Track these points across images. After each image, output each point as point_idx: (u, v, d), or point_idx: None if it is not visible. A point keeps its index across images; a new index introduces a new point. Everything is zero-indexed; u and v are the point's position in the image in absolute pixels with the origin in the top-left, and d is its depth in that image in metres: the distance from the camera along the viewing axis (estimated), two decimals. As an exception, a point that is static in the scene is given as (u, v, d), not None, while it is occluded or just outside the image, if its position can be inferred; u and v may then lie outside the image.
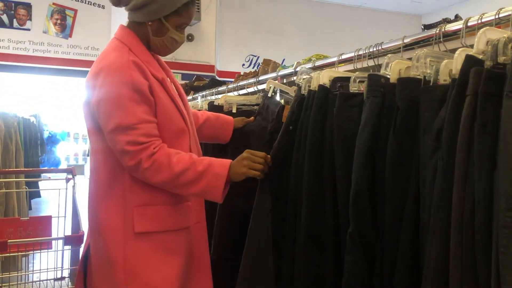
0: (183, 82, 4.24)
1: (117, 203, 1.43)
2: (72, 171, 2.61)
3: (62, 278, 2.39)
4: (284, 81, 1.97)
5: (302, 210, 1.39)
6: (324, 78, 1.43)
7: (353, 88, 1.33)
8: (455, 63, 0.99)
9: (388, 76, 1.20)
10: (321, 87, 1.40)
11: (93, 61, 1.56)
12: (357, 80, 1.34)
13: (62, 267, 2.35)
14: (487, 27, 0.99)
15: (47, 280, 2.37)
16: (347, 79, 1.36)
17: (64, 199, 2.53)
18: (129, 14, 1.52)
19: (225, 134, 1.91)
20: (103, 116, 1.40)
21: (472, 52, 0.97)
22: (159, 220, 1.44)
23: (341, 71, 1.55)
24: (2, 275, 2.35)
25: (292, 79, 1.83)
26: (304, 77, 1.55)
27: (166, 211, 1.46)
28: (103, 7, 5.79)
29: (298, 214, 1.42)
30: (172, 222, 1.46)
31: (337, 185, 1.29)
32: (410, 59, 1.18)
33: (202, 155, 1.64)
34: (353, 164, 1.25)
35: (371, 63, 1.44)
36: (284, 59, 5.25)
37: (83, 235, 1.94)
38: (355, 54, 1.49)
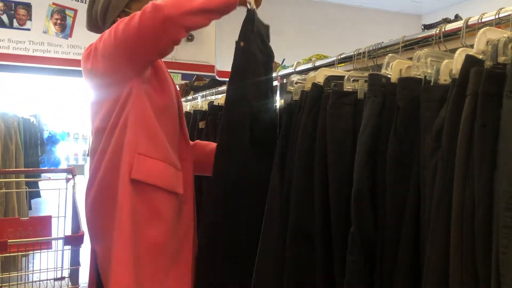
0: (183, 82, 4.24)
1: (122, 150, 1.42)
2: (72, 171, 2.61)
3: (62, 278, 2.39)
4: (284, 81, 1.97)
5: (291, 206, 1.41)
6: (319, 77, 1.44)
7: (347, 86, 1.34)
8: (455, 63, 0.99)
9: (389, 76, 1.20)
10: (314, 85, 1.42)
11: None
12: (351, 79, 1.34)
13: (62, 267, 2.35)
14: (487, 27, 0.99)
15: (47, 280, 2.37)
16: (342, 77, 1.37)
17: (64, 199, 2.53)
18: (105, 26, 1.58)
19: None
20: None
21: (472, 52, 0.97)
22: (156, 174, 1.44)
23: (338, 70, 1.55)
24: (2, 275, 2.35)
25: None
26: (296, 84, 1.57)
27: (164, 168, 1.46)
28: (103, 7, 5.73)
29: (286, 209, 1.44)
30: (166, 181, 1.46)
31: (329, 182, 1.30)
32: (410, 59, 1.18)
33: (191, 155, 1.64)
34: (346, 161, 1.26)
35: (370, 63, 1.44)
36: (284, 59, 5.24)
37: (83, 235, 1.94)
38: (355, 54, 1.49)
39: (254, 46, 1.47)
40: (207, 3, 1.34)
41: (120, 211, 1.40)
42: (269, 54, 1.57)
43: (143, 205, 1.42)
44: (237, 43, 1.45)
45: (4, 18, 4.84)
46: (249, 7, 1.48)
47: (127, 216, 1.39)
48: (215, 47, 5.63)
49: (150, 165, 1.43)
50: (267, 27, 1.59)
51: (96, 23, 1.62)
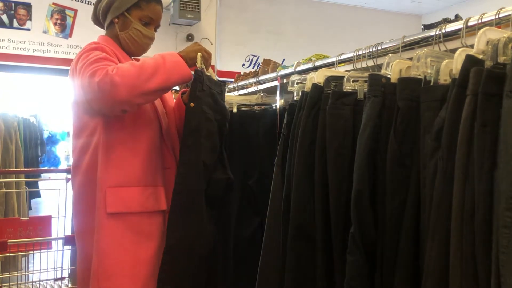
0: (183, 82, 4.23)
1: (92, 185, 1.46)
2: (72, 171, 2.60)
3: (62, 278, 2.39)
4: (284, 81, 1.97)
5: (291, 206, 1.41)
6: (318, 77, 1.44)
7: (347, 87, 1.34)
8: (455, 63, 0.99)
9: (389, 76, 1.20)
10: (314, 85, 1.42)
11: None
12: (351, 79, 1.34)
13: (62, 267, 2.35)
14: (487, 27, 0.99)
15: (47, 280, 2.37)
16: (342, 78, 1.37)
17: (64, 199, 2.53)
18: (104, 23, 1.66)
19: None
20: (72, 71, 1.47)
21: (472, 52, 0.97)
22: (132, 202, 1.46)
23: (339, 70, 1.55)
24: (2, 275, 2.35)
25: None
26: (296, 84, 1.57)
27: (139, 192, 1.48)
28: (103, 7, 5.73)
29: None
30: (145, 204, 1.48)
31: (329, 182, 1.30)
32: (410, 59, 1.18)
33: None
34: (346, 161, 1.26)
35: (370, 63, 1.44)
36: (284, 59, 5.24)
37: (83, 235, 1.94)
38: (355, 54, 1.49)
39: (205, 105, 1.46)
40: (165, 82, 1.39)
41: (101, 246, 1.43)
42: (222, 113, 1.54)
43: (129, 232, 1.45)
44: (187, 104, 1.46)
45: (4, 18, 4.83)
46: (197, 66, 1.49)
47: (113, 249, 1.43)
48: (215, 47, 5.64)
49: (124, 195, 1.46)
50: (220, 85, 1.57)
51: (98, 18, 1.69)
